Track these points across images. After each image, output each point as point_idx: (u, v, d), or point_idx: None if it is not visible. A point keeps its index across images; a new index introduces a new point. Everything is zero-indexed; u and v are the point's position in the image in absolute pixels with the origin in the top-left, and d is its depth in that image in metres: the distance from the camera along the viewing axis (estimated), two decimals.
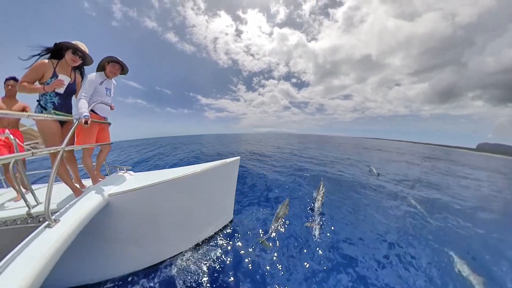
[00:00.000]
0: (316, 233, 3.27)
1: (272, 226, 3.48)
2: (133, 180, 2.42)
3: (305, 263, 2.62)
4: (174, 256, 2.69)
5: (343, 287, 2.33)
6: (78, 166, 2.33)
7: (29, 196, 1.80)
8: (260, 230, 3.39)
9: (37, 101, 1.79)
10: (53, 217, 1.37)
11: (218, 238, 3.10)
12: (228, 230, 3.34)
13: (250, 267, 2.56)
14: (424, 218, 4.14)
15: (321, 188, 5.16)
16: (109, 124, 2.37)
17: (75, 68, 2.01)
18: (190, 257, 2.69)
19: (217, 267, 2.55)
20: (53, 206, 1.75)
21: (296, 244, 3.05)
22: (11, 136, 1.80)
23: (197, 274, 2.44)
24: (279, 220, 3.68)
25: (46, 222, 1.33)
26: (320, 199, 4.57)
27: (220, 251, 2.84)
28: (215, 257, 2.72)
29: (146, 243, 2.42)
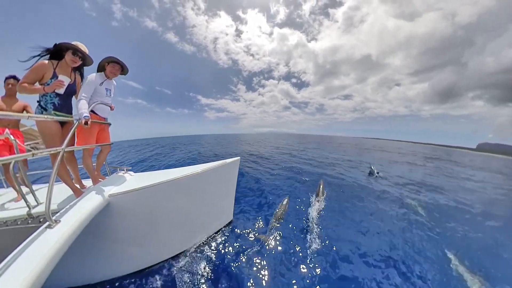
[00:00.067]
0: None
1: (272, 224, 3.50)
2: (133, 180, 2.43)
3: (304, 263, 2.63)
4: (174, 256, 2.70)
5: (341, 285, 2.34)
6: (78, 166, 2.34)
7: (29, 196, 1.80)
8: (260, 230, 3.39)
9: (37, 102, 1.80)
10: (53, 218, 1.38)
11: (218, 238, 3.11)
12: (228, 230, 3.34)
13: (250, 267, 2.56)
14: (432, 229, 3.68)
15: (320, 189, 5.05)
16: (109, 124, 2.38)
17: (75, 69, 2.02)
18: (190, 257, 2.70)
19: (217, 267, 2.55)
20: (53, 206, 1.76)
21: (295, 242, 3.06)
22: (11, 137, 1.81)
23: (197, 274, 2.45)
24: (279, 218, 3.69)
25: (47, 223, 1.33)
26: (318, 203, 4.40)
27: (220, 251, 2.85)
28: (215, 257, 2.72)
29: (146, 243, 2.42)
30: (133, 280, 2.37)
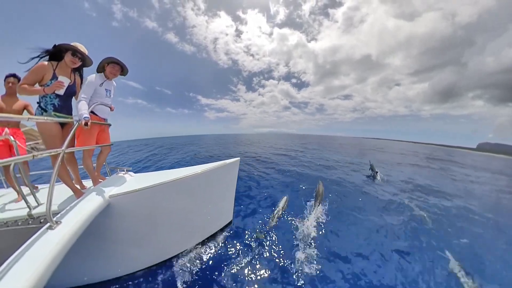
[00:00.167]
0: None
1: (271, 223, 3.52)
2: (133, 181, 2.43)
3: (302, 263, 2.64)
4: (174, 257, 2.71)
5: (340, 283, 2.35)
6: (78, 166, 2.34)
7: (29, 197, 1.81)
8: (259, 230, 3.40)
9: (37, 103, 1.80)
10: (54, 219, 1.38)
11: (218, 239, 3.12)
12: (228, 231, 3.36)
13: (250, 267, 2.57)
14: (441, 248, 3.12)
15: (319, 192, 4.77)
16: (109, 125, 2.38)
17: (74, 70, 2.01)
18: (190, 258, 2.71)
19: (217, 267, 2.56)
20: (54, 207, 1.76)
21: (294, 241, 3.08)
22: (11, 138, 1.81)
23: (197, 274, 2.47)
24: (278, 217, 3.72)
25: (48, 224, 1.34)
26: (317, 207, 4.17)
27: (219, 251, 2.86)
28: (214, 258, 2.74)
29: (146, 243, 2.43)
30: (133, 280, 2.39)
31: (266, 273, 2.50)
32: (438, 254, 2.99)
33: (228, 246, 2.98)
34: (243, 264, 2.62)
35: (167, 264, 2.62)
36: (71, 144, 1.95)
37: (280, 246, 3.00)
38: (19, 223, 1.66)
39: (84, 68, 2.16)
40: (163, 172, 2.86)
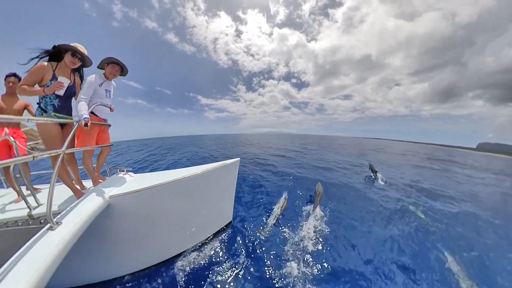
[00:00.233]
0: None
1: (271, 221, 3.53)
2: (133, 181, 2.43)
3: (303, 262, 2.64)
4: (174, 257, 2.72)
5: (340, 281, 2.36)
6: (78, 167, 2.34)
7: (29, 197, 1.81)
8: (259, 230, 3.41)
9: (37, 103, 1.80)
10: (55, 220, 1.38)
11: (218, 239, 3.13)
12: (228, 231, 3.36)
13: (249, 267, 2.58)
14: (457, 259, 2.87)
15: (318, 194, 4.57)
16: (109, 125, 2.38)
17: (74, 70, 2.01)
18: (190, 258, 2.72)
19: (217, 267, 2.57)
20: (54, 207, 1.76)
21: (294, 240, 3.09)
22: (11, 138, 1.81)
23: (197, 274, 2.47)
24: (278, 215, 3.73)
25: (48, 225, 1.34)
26: (315, 211, 3.98)
27: (219, 251, 2.87)
28: (214, 258, 2.74)
29: (146, 244, 2.44)
30: (133, 280, 2.39)
31: (266, 272, 2.50)
32: (447, 269, 2.75)
33: (228, 246, 2.99)
34: (243, 265, 2.63)
35: (167, 264, 2.62)
36: (71, 144, 1.95)
37: (279, 245, 3.00)
38: (19, 224, 1.67)
39: (84, 69, 2.16)
40: (163, 172, 2.86)
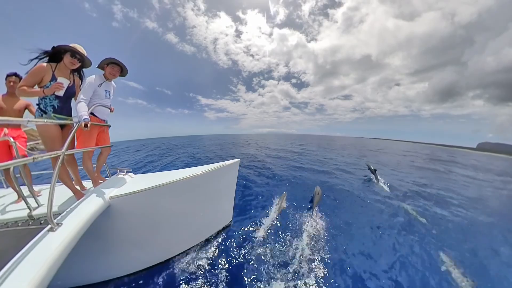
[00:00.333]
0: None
1: (270, 221, 3.54)
2: (133, 182, 2.44)
3: (301, 262, 2.65)
4: (174, 257, 2.73)
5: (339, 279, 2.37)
6: (78, 167, 2.34)
7: (29, 197, 1.81)
8: (259, 230, 3.41)
9: (37, 104, 1.79)
10: (55, 221, 1.39)
11: (218, 239, 3.14)
12: (228, 231, 3.37)
13: (249, 267, 2.59)
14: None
15: (316, 197, 4.57)
16: (109, 126, 2.37)
17: (73, 71, 2.01)
18: (190, 258, 2.73)
19: (217, 268, 2.58)
20: (54, 208, 1.76)
21: (293, 238, 3.13)
22: (11, 139, 1.81)
23: (197, 274, 2.48)
24: (277, 215, 3.76)
25: (49, 226, 1.34)
26: (313, 215, 3.93)
27: (219, 251, 2.88)
28: (215, 257, 2.75)
29: (146, 244, 2.44)
30: (133, 280, 2.40)
31: (265, 272, 2.50)
32: (449, 273, 2.62)
33: (228, 246, 3.00)
34: (242, 264, 2.64)
35: (167, 264, 2.63)
36: (71, 145, 1.95)
37: (278, 247, 3.00)
38: (19, 224, 1.67)
39: (84, 69, 2.16)
40: (163, 173, 2.86)
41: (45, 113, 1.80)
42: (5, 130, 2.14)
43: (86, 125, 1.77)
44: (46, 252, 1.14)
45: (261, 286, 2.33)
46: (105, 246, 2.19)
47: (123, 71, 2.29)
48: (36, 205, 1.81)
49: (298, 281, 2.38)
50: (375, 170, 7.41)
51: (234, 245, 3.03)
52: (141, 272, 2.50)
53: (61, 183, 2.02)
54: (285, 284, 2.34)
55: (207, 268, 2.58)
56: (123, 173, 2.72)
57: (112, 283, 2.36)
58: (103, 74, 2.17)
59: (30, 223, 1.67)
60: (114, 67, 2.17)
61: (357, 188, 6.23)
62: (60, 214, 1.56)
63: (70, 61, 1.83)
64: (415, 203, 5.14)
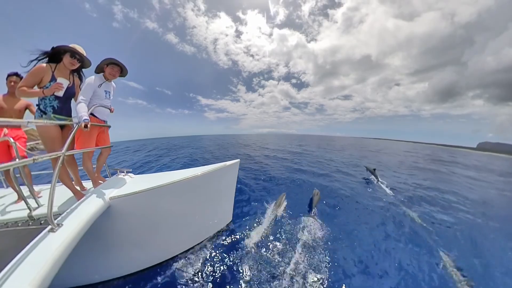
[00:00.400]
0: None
1: (270, 221, 3.54)
2: (133, 183, 2.44)
3: (300, 263, 2.65)
4: (174, 257, 2.73)
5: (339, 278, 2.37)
6: (78, 168, 2.34)
7: (29, 198, 1.81)
8: (258, 229, 3.42)
9: (37, 105, 1.79)
10: (55, 221, 1.39)
11: (218, 239, 3.14)
12: (228, 231, 3.37)
13: (249, 267, 2.59)
14: None
15: (314, 200, 4.55)
16: (109, 127, 2.37)
17: (73, 71, 2.00)
18: (190, 258, 2.73)
19: (217, 268, 2.58)
20: (54, 209, 1.76)
21: (293, 238, 3.13)
22: (11, 139, 1.81)
23: (197, 274, 2.48)
24: (276, 215, 3.76)
25: (49, 227, 1.34)
26: (311, 218, 3.83)
27: (219, 251, 2.88)
28: (214, 258, 2.75)
29: (146, 244, 2.45)
30: (133, 280, 2.41)
31: (265, 272, 2.50)
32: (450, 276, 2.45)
33: (228, 246, 3.00)
34: (242, 264, 2.64)
35: (167, 264, 2.63)
36: (71, 146, 1.95)
37: (278, 248, 3.00)
38: (19, 224, 1.67)
39: (84, 70, 2.15)
40: (163, 173, 2.86)
41: (45, 113, 1.80)
42: (5, 130, 2.14)
43: (86, 126, 1.77)
44: (47, 252, 1.15)
45: (261, 286, 2.33)
46: (105, 246, 2.19)
47: (123, 72, 2.29)
48: (36, 206, 1.81)
49: (297, 281, 2.38)
50: (374, 169, 7.32)
51: (234, 245, 3.04)
52: (141, 272, 2.51)
53: (61, 183, 2.02)
54: (285, 283, 2.34)
55: (207, 268, 2.58)
56: (123, 174, 2.73)
57: (112, 283, 2.36)
58: (103, 75, 2.17)
59: (30, 223, 1.67)
60: (114, 68, 2.16)
61: (358, 192, 5.87)
62: (60, 214, 1.56)
63: (69, 61, 1.83)
64: (421, 209, 4.80)
